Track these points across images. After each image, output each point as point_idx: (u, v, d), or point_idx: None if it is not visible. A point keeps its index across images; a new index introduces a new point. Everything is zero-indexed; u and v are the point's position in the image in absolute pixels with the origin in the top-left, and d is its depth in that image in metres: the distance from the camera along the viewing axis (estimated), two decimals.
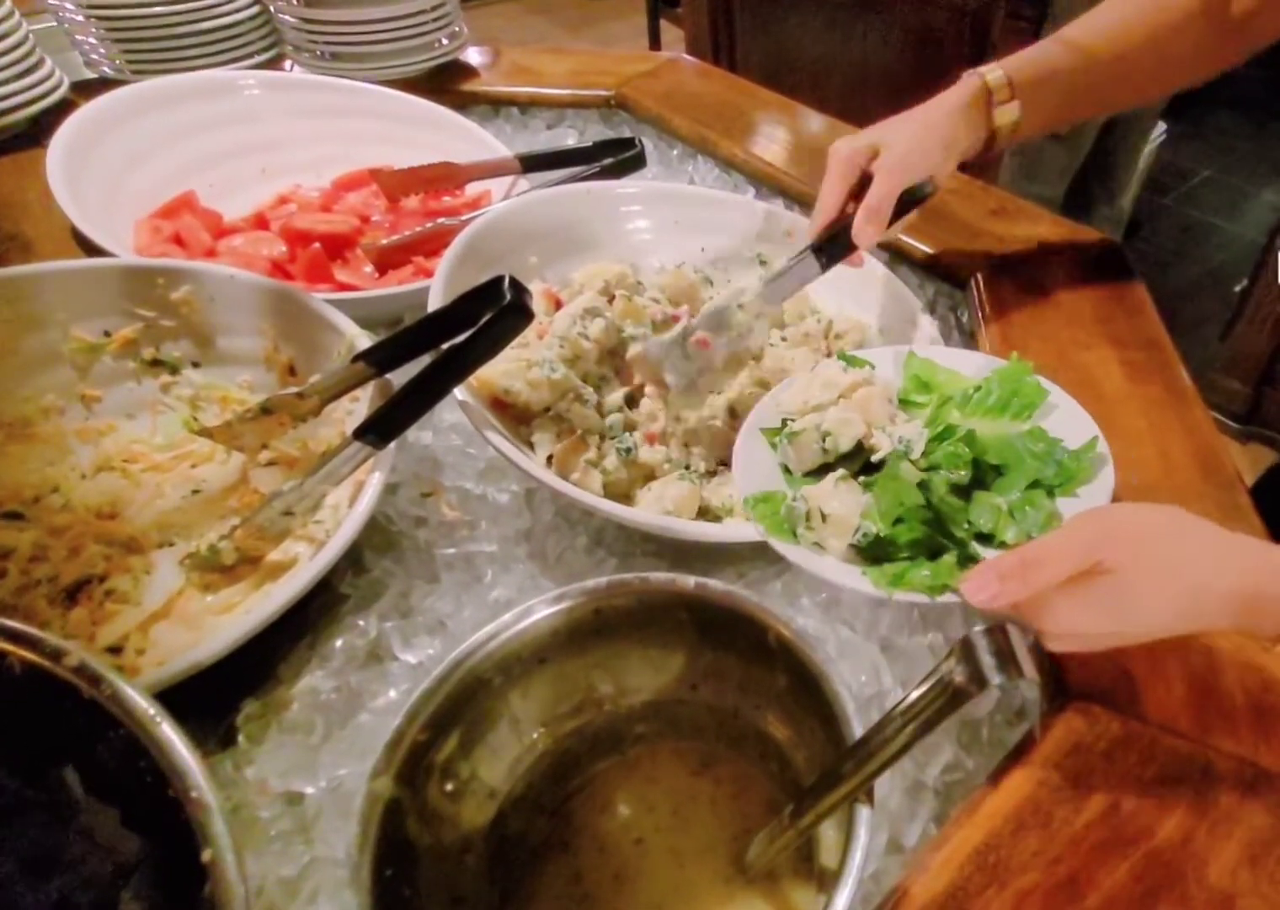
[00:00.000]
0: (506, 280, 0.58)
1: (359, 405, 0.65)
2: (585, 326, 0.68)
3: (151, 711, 0.35)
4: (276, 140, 0.98)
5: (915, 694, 0.29)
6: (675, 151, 1.07)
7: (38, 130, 0.97)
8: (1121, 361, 0.71)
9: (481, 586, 0.58)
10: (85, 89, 1.04)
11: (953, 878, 0.37)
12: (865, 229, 0.67)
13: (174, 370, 0.70)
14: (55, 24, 1.05)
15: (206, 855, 0.32)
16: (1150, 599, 0.40)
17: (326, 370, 0.63)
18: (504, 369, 0.63)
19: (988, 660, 0.27)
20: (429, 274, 0.83)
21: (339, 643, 0.54)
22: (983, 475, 0.52)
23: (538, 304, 0.73)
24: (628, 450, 0.64)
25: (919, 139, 0.70)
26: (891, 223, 0.69)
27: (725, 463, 0.64)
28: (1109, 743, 0.44)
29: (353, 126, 1.01)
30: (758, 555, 0.62)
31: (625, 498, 0.63)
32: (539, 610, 0.38)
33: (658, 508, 0.61)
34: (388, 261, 0.86)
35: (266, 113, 0.97)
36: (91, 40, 1.02)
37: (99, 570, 0.59)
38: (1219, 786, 0.41)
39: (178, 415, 0.70)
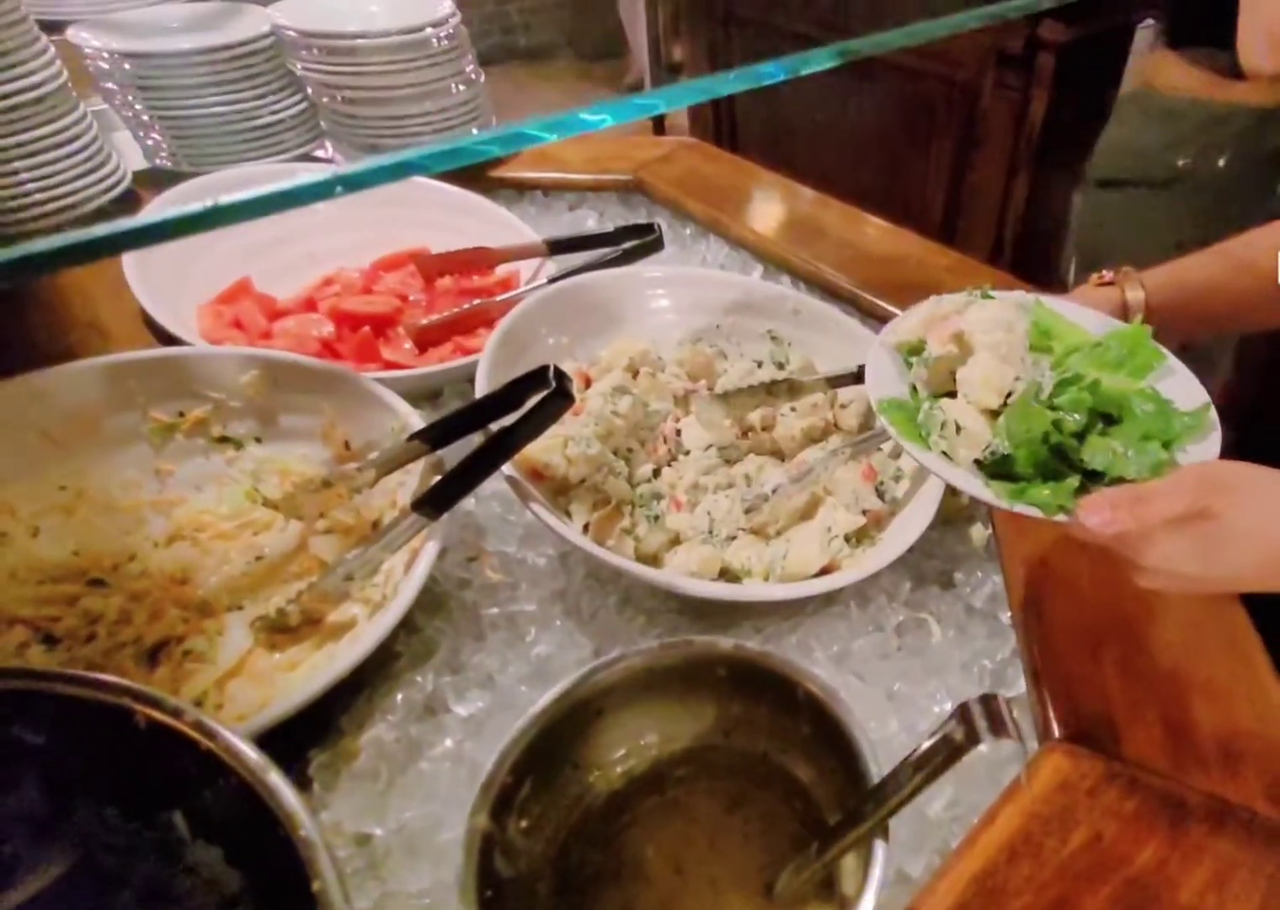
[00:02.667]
0: (552, 369, 0.65)
1: (410, 478, 0.71)
2: (615, 404, 0.75)
3: (261, 761, 0.41)
4: (322, 226, 1.05)
5: (923, 747, 0.35)
6: (688, 231, 1.16)
7: (101, 218, 1.05)
8: None
9: (524, 644, 0.64)
10: (143, 177, 1.13)
11: (955, 901, 0.42)
12: None
13: (239, 446, 0.77)
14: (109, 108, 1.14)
15: (316, 885, 0.37)
16: (1244, 550, 0.42)
17: (384, 447, 0.70)
18: (543, 445, 0.69)
19: (981, 723, 0.33)
20: (467, 351, 0.91)
21: (399, 697, 0.60)
22: (1095, 424, 0.55)
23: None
24: (656, 517, 0.70)
25: None
26: None
27: (743, 529, 0.70)
28: (1093, 780, 0.49)
29: (390, 212, 1.09)
30: (772, 612, 0.68)
31: (654, 560, 0.69)
32: (602, 670, 0.44)
33: (683, 570, 0.67)
34: (427, 340, 0.93)
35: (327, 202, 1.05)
36: (155, 136, 1.11)
37: (177, 632, 0.65)
38: (1190, 819, 0.47)
39: (241, 487, 0.76)
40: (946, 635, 0.66)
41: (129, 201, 1.08)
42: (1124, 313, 0.71)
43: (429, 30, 1.12)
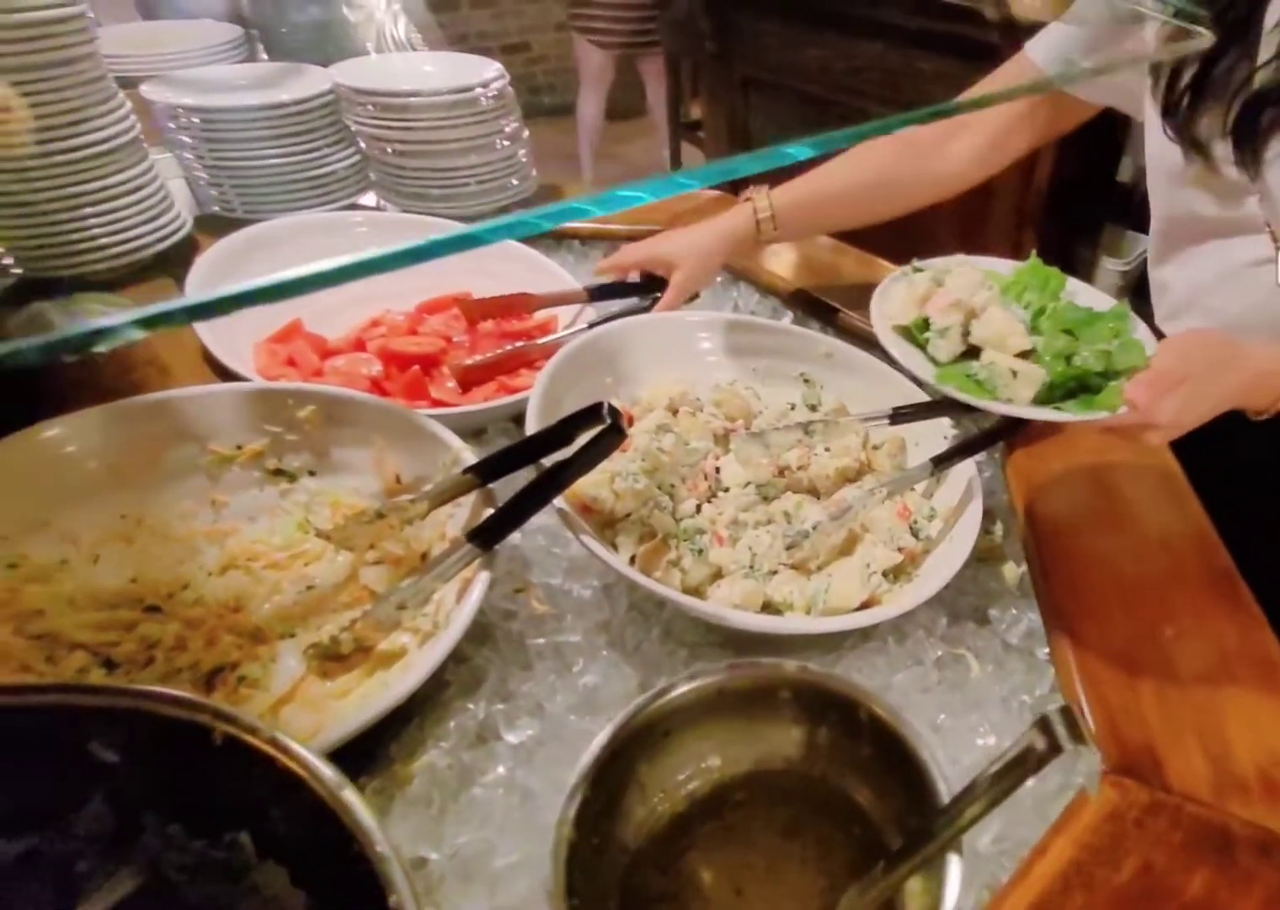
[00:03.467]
0: (606, 407, 0.66)
1: (459, 511, 0.72)
2: (659, 441, 0.76)
3: (337, 778, 0.41)
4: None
5: (1003, 759, 0.35)
6: (719, 279, 1.18)
7: (163, 261, 1.08)
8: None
9: (572, 674, 0.64)
10: (201, 222, 1.17)
11: None
12: None
13: (293, 479, 0.78)
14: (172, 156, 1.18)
15: (393, 900, 0.37)
16: (1214, 395, 0.62)
17: (437, 480, 0.71)
18: (592, 480, 0.70)
19: (1062, 733, 0.33)
20: (511, 391, 0.92)
21: (451, 724, 0.60)
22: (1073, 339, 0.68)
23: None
24: (700, 551, 0.70)
25: (701, 262, 0.97)
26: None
27: (785, 564, 0.71)
28: (1140, 811, 0.49)
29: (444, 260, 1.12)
30: (812, 646, 0.68)
31: (697, 593, 0.69)
32: (676, 688, 0.44)
33: (727, 602, 0.67)
34: (471, 379, 0.95)
35: (365, 246, 1.08)
36: (216, 184, 1.15)
37: (232, 658, 0.65)
38: (1238, 848, 0.46)
39: (293, 518, 0.77)
40: (985, 670, 0.65)
41: (187, 246, 1.12)
42: (755, 218, 0.96)
43: (478, 90, 1.16)
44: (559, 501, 0.67)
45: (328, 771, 0.41)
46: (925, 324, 0.71)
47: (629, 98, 4.01)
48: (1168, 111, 0.79)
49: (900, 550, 0.73)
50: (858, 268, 1.16)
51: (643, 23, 3.37)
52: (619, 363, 0.86)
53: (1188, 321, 0.93)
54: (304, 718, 0.62)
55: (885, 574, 0.71)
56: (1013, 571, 0.74)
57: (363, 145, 1.20)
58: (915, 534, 0.76)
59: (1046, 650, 0.67)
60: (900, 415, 0.80)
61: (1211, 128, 0.76)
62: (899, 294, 0.75)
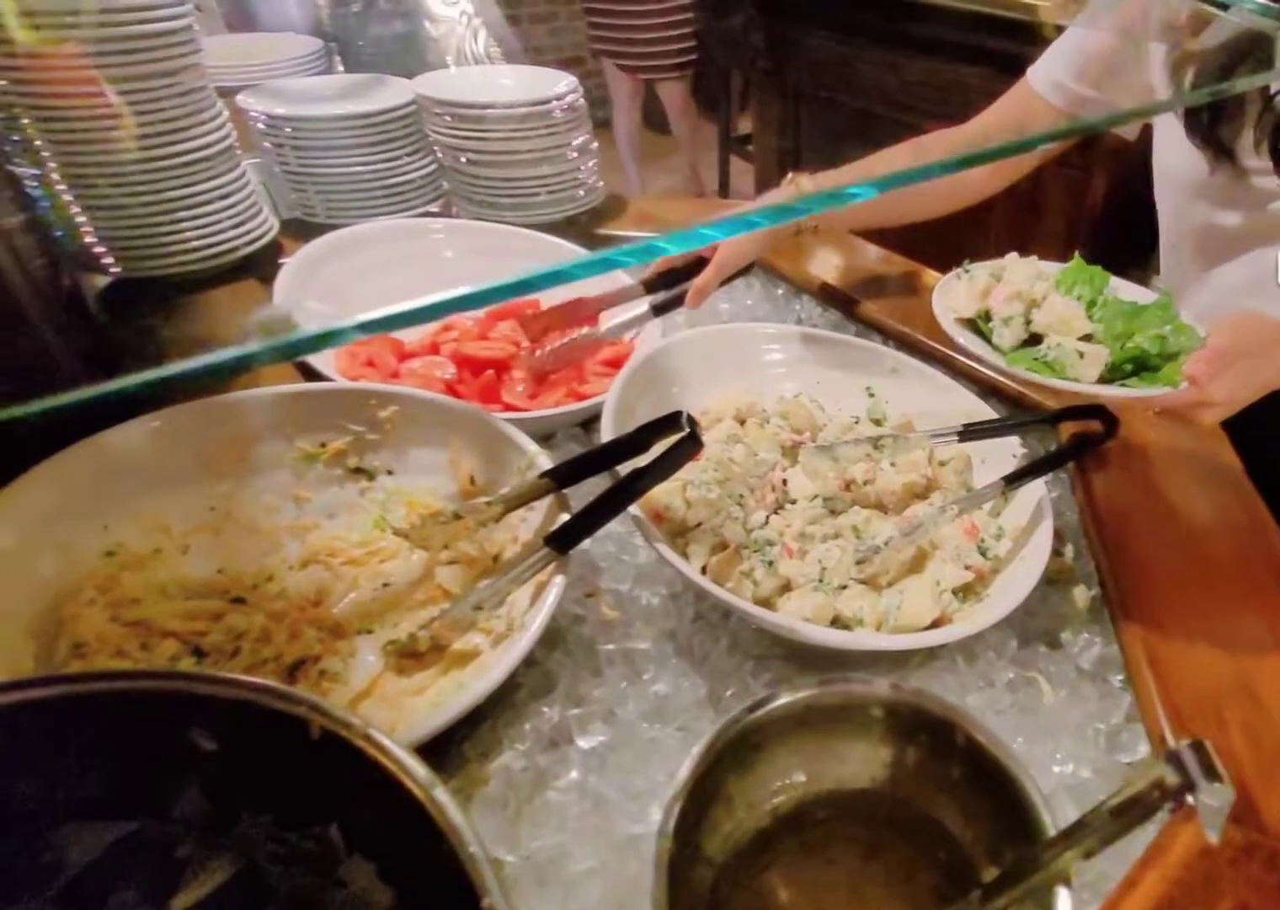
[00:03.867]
0: (685, 416, 0.66)
1: (532, 514, 0.72)
2: (730, 451, 0.75)
3: (429, 777, 0.41)
4: (441, 276, 1.08)
5: (1126, 793, 0.34)
6: (780, 291, 1.16)
7: (249, 262, 1.09)
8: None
9: (643, 682, 0.64)
10: (287, 226, 1.18)
11: None
12: (694, 299, 0.91)
13: (372, 477, 0.79)
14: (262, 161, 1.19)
15: (487, 902, 0.37)
16: (1269, 369, 0.64)
17: (513, 483, 0.71)
18: (665, 488, 0.70)
19: (1194, 767, 0.32)
20: (580, 397, 0.92)
21: (526, 726, 0.60)
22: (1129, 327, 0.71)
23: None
24: (771, 563, 0.69)
25: (743, 244, 0.91)
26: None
27: (855, 578, 0.69)
28: (1233, 851, 0.46)
29: (506, 264, 1.11)
30: (877, 662, 0.66)
31: (768, 605, 0.68)
32: (770, 702, 0.43)
33: (797, 615, 0.66)
34: (544, 377, 0.94)
35: (440, 253, 1.09)
36: (302, 190, 1.16)
37: (314, 651, 0.65)
38: None
39: (370, 516, 0.78)
40: (1058, 695, 0.63)
41: (272, 248, 1.13)
42: (797, 193, 0.92)
43: (552, 103, 1.16)
44: (633, 509, 0.66)
45: (420, 769, 0.41)
46: (988, 315, 0.74)
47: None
48: (1194, 121, 0.81)
49: (969, 568, 0.71)
50: (910, 280, 1.14)
51: (659, 48, 3.28)
52: (687, 373, 0.85)
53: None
54: (381, 713, 0.62)
55: (955, 592, 0.69)
56: (1084, 595, 0.71)
57: (439, 154, 1.21)
58: (983, 553, 0.74)
59: (1120, 677, 0.64)
60: (970, 432, 0.78)
61: (1240, 136, 0.78)
62: (959, 290, 0.78)
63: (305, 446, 0.77)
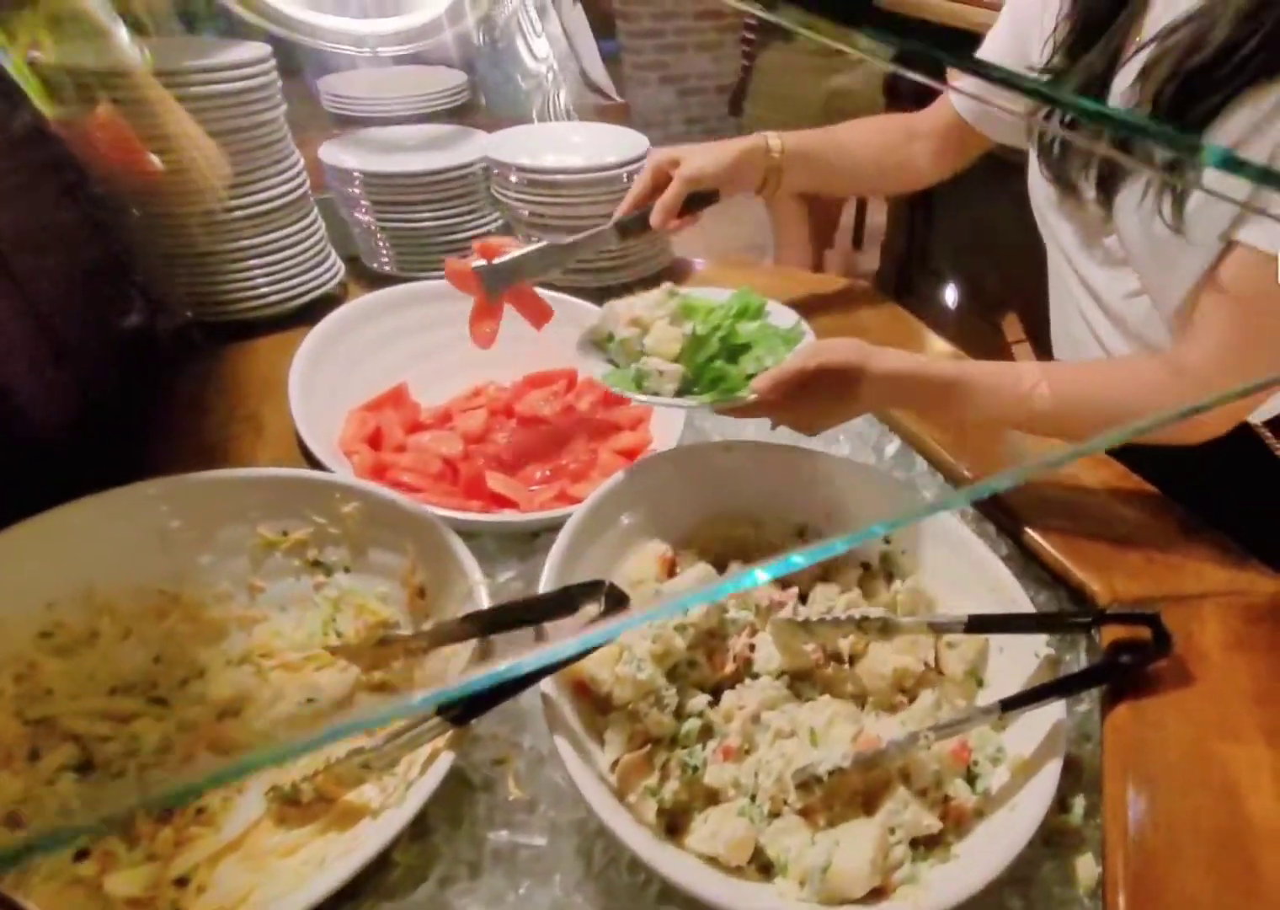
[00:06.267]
0: (606, 587, 0.50)
1: (466, 647, 0.57)
2: (688, 608, 0.57)
3: None
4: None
5: None
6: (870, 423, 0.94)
7: (310, 305, 0.99)
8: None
9: (517, 897, 0.48)
10: (350, 266, 1.07)
11: None
12: (657, 216, 0.83)
13: (329, 572, 0.67)
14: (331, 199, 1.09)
15: None
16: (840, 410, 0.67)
17: (438, 623, 0.57)
18: (596, 656, 0.53)
19: None
20: (570, 500, 0.76)
21: None
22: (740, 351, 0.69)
23: (649, 569, 0.64)
24: (694, 769, 0.52)
25: (710, 158, 0.84)
26: (682, 215, 0.85)
27: (789, 803, 0.51)
28: None
29: (556, 331, 0.97)
30: None
31: (684, 815, 0.51)
32: None
33: (709, 845, 0.48)
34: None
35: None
36: (374, 240, 1.05)
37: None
38: None
39: (320, 613, 0.66)
40: None
41: (336, 294, 1.03)
42: (765, 145, 0.88)
43: (620, 170, 0.99)
44: (545, 684, 0.51)
45: None
46: (611, 337, 0.72)
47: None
48: (1043, 153, 0.77)
49: (945, 807, 0.51)
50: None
51: None
52: (673, 490, 0.68)
53: (1065, 347, 0.89)
54: (239, 877, 0.49)
55: (915, 842, 0.49)
56: (1089, 870, 0.50)
57: (513, 213, 1.06)
58: (971, 781, 0.54)
59: None
60: (982, 625, 0.57)
61: (1078, 170, 0.73)
62: (602, 313, 0.74)
63: (267, 533, 0.66)
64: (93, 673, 0.59)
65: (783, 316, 0.75)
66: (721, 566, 0.66)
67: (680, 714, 0.54)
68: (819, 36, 0.34)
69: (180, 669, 0.61)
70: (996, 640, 0.62)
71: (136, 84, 0.84)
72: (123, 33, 0.89)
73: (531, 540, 0.73)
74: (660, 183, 0.84)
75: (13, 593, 0.58)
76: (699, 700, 0.55)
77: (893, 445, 0.84)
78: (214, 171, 0.90)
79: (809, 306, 1.03)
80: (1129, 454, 0.77)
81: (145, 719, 0.57)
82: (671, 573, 0.64)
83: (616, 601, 0.50)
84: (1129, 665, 0.56)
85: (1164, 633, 0.56)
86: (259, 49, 0.92)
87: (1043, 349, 0.99)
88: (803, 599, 0.65)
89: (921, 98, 0.96)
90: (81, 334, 0.77)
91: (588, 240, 0.84)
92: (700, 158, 0.83)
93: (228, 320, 0.95)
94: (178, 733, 0.56)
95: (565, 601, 0.52)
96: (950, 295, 2.28)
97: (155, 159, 0.84)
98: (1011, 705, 0.53)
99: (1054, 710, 0.54)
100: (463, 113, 1.47)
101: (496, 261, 0.76)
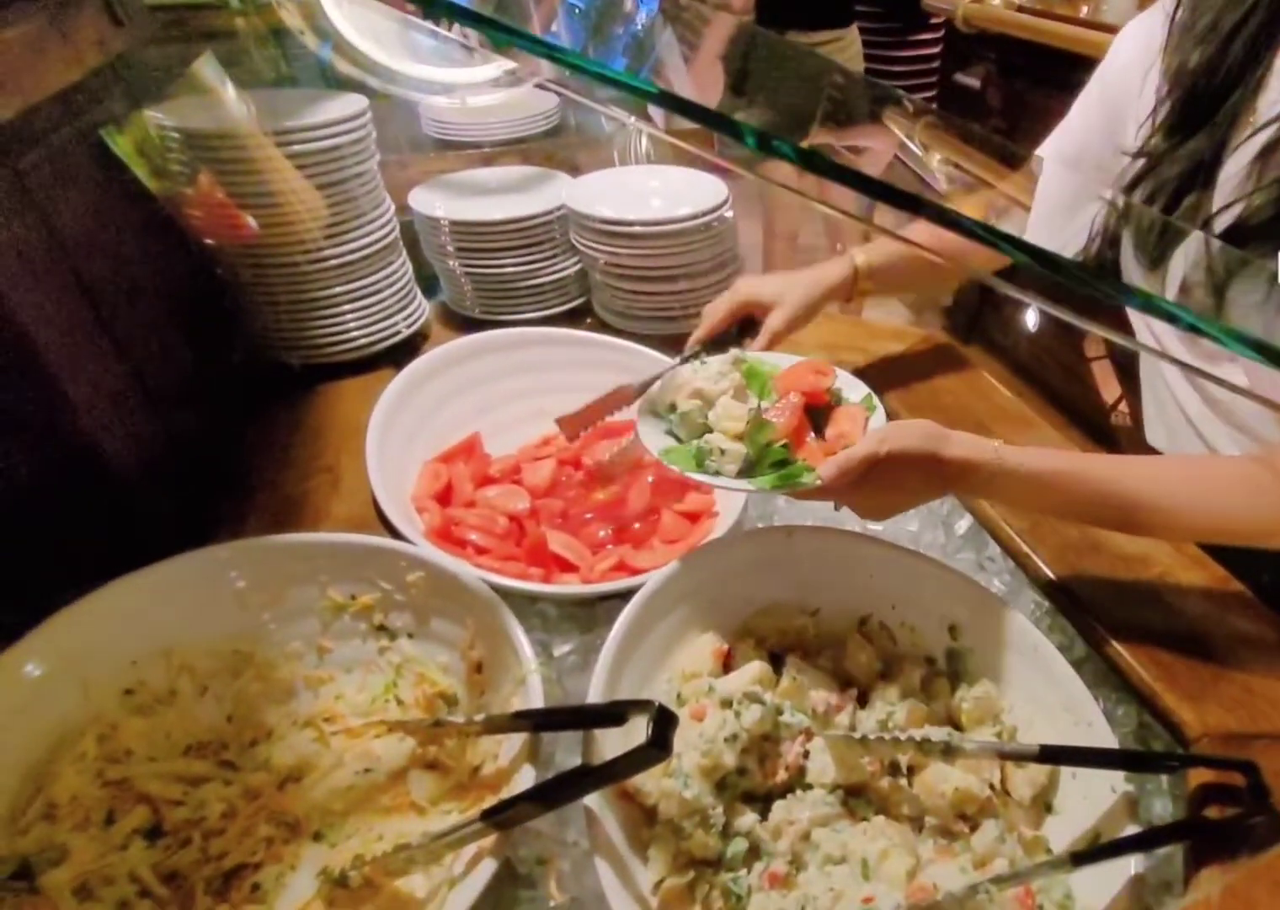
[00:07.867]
0: (653, 713, 0.44)
1: (516, 737, 0.53)
2: (740, 716, 0.51)
3: None
4: (555, 386, 0.89)
5: None
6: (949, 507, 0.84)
7: (399, 355, 0.96)
8: None
9: None
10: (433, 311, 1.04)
11: None
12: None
13: (393, 637, 0.64)
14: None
15: None
16: (898, 502, 0.59)
17: (489, 716, 0.52)
18: None
19: None
20: (630, 571, 0.71)
21: None
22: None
23: (704, 663, 0.58)
24: (739, 897, 0.46)
25: (797, 305, 0.77)
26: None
27: None
28: None
29: (624, 380, 0.91)
30: None
31: None
32: None
33: None
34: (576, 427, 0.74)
35: (560, 364, 0.89)
36: (459, 284, 1.02)
37: (256, 858, 0.52)
38: None
39: (384, 677, 0.63)
40: None
41: (419, 336, 1.00)
42: (853, 268, 0.81)
43: (698, 220, 0.92)
44: (589, 798, 0.46)
45: None
46: (673, 407, 0.65)
47: None
48: (1139, 243, 0.67)
49: None
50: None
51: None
52: (733, 580, 0.61)
53: (1159, 432, 0.79)
54: None
55: None
56: None
57: (587, 256, 1.01)
58: None
59: None
60: (1052, 756, 0.49)
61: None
62: (663, 382, 0.69)
63: (336, 596, 0.63)
64: (169, 731, 0.57)
65: (852, 388, 0.67)
66: (778, 658, 0.59)
67: (727, 832, 0.49)
68: None
69: (250, 730, 0.59)
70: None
71: (243, 144, 0.82)
72: (231, 91, 0.88)
73: (592, 607, 0.68)
74: (738, 317, 0.79)
75: (99, 653, 0.56)
76: (747, 819, 0.49)
77: (964, 522, 0.75)
78: (313, 223, 0.88)
79: (883, 366, 0.95)
80: (1229, 559, 0.66)
81: (214, 783, 0.55)
82: (727, 665, 0.58)
83: (665, 722, 0.45)
84: (1220, 824, 0.47)
85: (1261, 785, 0.47)
86: (357, 103, 0.89)
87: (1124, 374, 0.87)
88: (861, 699, 0.58)
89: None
90: (171, 381, 0.76)
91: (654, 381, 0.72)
92: (789, 308, 0.77)
93: (316, 364, 0.93)
94: (242, 799, 0.54)
95: (614, 714, 0.47)
96: (1030, 316, 2.12)
97: (252, 221, 0.82)
98: (1083, 860, 0.45)
99: (1131, 861, 0.46)
100: (555, 132, 1.42)
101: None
